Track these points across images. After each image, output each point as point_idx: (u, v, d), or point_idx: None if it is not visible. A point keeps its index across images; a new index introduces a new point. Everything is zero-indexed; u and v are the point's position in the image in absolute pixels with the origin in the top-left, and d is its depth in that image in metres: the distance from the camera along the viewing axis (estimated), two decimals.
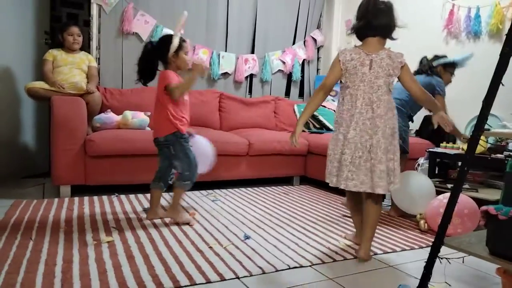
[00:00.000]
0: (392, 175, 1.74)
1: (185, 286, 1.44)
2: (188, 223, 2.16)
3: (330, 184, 1.81)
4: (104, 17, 3.40)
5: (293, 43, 4.31)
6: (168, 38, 2.06)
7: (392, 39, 1.81)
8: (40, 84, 2.90)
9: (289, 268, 1.64)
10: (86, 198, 2.64)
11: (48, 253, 1.67)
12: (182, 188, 2.15)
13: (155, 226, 2.11)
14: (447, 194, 2.15)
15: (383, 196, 1.97)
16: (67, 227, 2.02)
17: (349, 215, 2.36)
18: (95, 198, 2.66)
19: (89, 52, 3.31)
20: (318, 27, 4.50)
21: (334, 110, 3.76)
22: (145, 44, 2.15)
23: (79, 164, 2.67)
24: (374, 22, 1.74)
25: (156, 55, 2.08)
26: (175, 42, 2.03)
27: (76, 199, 2.62)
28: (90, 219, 2.18)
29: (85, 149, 2.67)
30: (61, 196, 2.68)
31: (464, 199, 2.13)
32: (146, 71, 2.10)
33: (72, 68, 3.04)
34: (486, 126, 1.37)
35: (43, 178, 3.30)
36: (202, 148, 2.31)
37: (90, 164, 2.69)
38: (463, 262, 1.70)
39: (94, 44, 3.41)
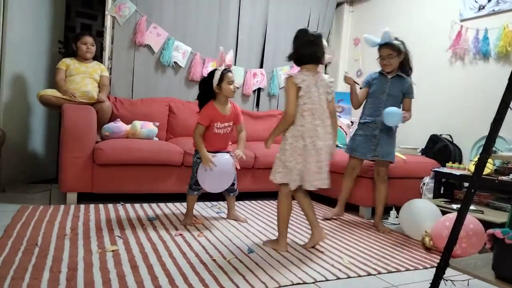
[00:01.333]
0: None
1: None
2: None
3: (292, 188, 2.07)
4: (117, 29, 3.47)
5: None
6: (211, 73, 2.35)
7: (322, 63, 2.15)
8: (52, 92, 2.96)
9: (292, 284, 1.64)
10: (92, 206, 2.66)
11: (53, 259, 1.68)
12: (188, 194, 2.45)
13: (160, 236, 2.12)
14: (453, 214, 2.15)
15: None
16: (73, 234, 2.04)
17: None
18: (101, 206, 2.68)
19: (101, 62, 3.37)
20: (327, 42, 4.56)
21: (341, 127, 3.81)
22: (201, 79, 2.42)
23: (87, 172, 2.70)
24: (306, 52, 2.04)
25: (205, 88, 2.36)
26: (216, 76, 2.30)
27: (82, 206, 2.64)
28: (95, 227, 2.20)
29: (93, 157, 2.70)
30: (67, 203, 2.70)
31: (469, 217, 2.12)
32: (200, 100, 2.41)
33: (84, 77, 3.10)
34: (493, 149, 1.39)
35: (50, 184, 3.33)
36: (222, 167, 2.33)
37: (98, 172, 2.72)
38: (468, 284, 1.69)
39: (106, 54, 3.48)
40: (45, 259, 1.68)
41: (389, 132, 2.66)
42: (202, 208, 2.85)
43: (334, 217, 2.86)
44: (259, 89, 4.17)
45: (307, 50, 2.03)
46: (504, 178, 2.49)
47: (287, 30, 4.21)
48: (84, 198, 2.79)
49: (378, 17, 4.20)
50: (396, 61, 2.60)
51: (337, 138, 2.52)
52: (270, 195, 3.41)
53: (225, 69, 2.33)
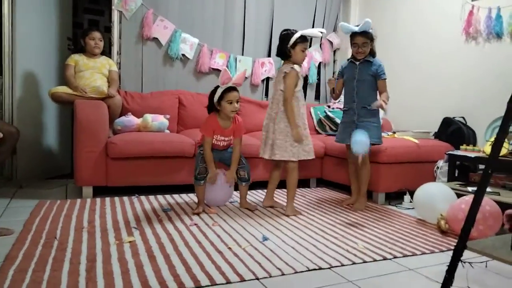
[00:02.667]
0: None
1: (206, 286, 1.46)
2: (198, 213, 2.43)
3: (296, 159, 2.52)
4: (124, 23, 3.48)
5: (309, 46, 4.31)
6: (214, 89, 2.43)
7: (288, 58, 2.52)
8: (63, 89, 2.99)
9: (308, 270, 1.65)
10: (107, 199, 2.70)
11: (72, 252, 1.72)
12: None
13: (175, 227, 2.15)
14: (469, 197, 2.12)
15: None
16: (90, 227, 2.08)
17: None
18: (116, 199, 2.72)
19: (110, 57, 3.39)
20: (334, 30, 4.50)
21: None
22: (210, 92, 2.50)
23: (101, 165, 2.73)
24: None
25: (211, 101, 2.46)
26: (217, 93, 2.38)
27: (98, 199, 2.68)
28: (112, 220, 2.23)
29: (107, 151, 2.73)
30: (83, 197, 2.75)
31: (485, 198, 2.09)
32: (208, 109, 2.51)
33: (93, 72, 3.12)
34: (510, 129, 1.36)
35: (66, 180, 3.39)
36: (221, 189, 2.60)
37: (112, 165, 2.75)
38: (486, 266, 1.67)
39: (115, 49, 3.49)
40: (64, 252, 1.71)
41: (368, 116, 2.69)
42: None
43: (352, 204, 2.87)
44: (267, 78, 4.15)
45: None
46: None
47: (294, 17, 4.17)
48: (100, 191, 2.83)
49: (386, 2, 4.12)
50: (368, 49, 2.68)
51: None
52: (282, 184, 3.41)
53: (227, 88, 2.37)
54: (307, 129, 2.57)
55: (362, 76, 2.71)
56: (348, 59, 2.85)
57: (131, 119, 3.00)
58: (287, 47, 2.47)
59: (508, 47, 3.02)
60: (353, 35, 2.67)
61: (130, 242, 1.87)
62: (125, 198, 2.75)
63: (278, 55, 2.58)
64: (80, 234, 1.96)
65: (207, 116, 2.50)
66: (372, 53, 2.71)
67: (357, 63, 2.73)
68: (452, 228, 2.19)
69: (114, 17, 3.47)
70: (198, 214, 2.41)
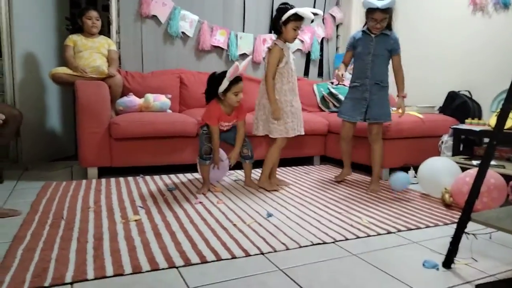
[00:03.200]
0: None
1: (212, 261, 1.48)
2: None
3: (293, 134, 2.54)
4: (122, 1, 3.41)
5: (311, 21, 4.22)
6: (220, 78, 2.35)
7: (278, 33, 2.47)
8: (63, 70, 2.96)
9: (313, 245, 1.66)
10: (112, 180, 2.72)
11: (79, 231, 1.74)
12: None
13: (180, 205, 2.17)
14: (474, 170, 2.11)
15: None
16: (96, 207, 2.10)
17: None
18: (121, 179, 2.74)
19: (109, 37, 3.34)
20: (337, 4, 4.40)
21: None
22: (211, 74, 2.46)
23: (105, 146, 2.74)
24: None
25: (212, 88, 2.41)
26: (224, 85, 2.33)
27: (103, 180, 2.70)
28: (117, 199, 2.25)
29: (110, 132, 2.73)
30: (88, 177, 2.77)
31: (490, 171, 2.09)
32: (207, 95, 2.47)
33: (92, 52, 3.09)
34: None
35: (71, 161, 3.41)
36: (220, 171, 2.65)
37: (115, 146, 2.76)
38: (490, 238, 1.68)
39: (114, 28, 3.44)
40: (71, 231, 1.73)
41: (381, 93, 2.59)
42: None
43: (345, 178, 2.89)
44: None
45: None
46: None
47: None
48: (105, 172, 2.85)
49: None
50: (386, 23, 2.51)
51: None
52: (285, 162, 3.42)
53: (234, 79, 2.34)
54: (294, 105, 2.52)
55: (378, 51, 2.55)
56: (361, 30, 2.62)
57: (132, 100, 2.98)
58: (279, 23, 2.40)
59: None
60: (372, 10, 2.45)
61: (136, 220, 1.89)
62: (130, 178, 2.76)
63: (271, 29, 2.54)
64: (87, 214, 1.98)
65: (209, 104, 2.45)
66: (389, 26, 2.54)
67: (373, 36, 2.55)
68: (456, 202, 2.20)
69: None
70: (204, 194, 2.42)
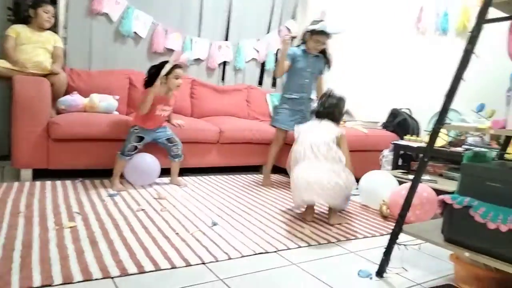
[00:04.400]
0: None
1: (150, 271, 1.43)
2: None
3: None
4: None
5: (267, 32, 4.30)
6: (162, 65, 2.54)
7: None
8: (1, 62, 2.75)
9: (255, 254, 1.67)
10: (48, 183, 2.55)
11: (6, 238, 1.61)
12: None
13: (121, 212, 2.08)
14: (409, 183, 2.24)
15: None
16: (28, 212, 1.96)
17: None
18: (58, 182, 2.58)
19: (55, 32, 3.16)
20: (293, 17, 4.51)
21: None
22: (149, 68, 2.64)
23: (42, 147, 2.57)
24: None
25: (154, 74, 2.56)
26: (166, 68, 2.51)
27: (38, 183, 2.52)
28: (52, 204, 2.11)
29: (48, 132, 2.57)
30: (21, 180, 2.57)
31: (423, 185, 2.24)
32: (147, 82, 2.61)
33: (36, 47, 2.90)
34: (447, 121, 1.44)
35: (3, 161, 3.15)
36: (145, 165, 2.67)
37: (54, 147, 2.60)
38: (419, 248, 1.79)
39: (61, 23, 3.26)
40: None
41: (311, 107, 2.88)
42: (166, 183, 2.82)
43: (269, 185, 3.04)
44: (224, 63, 4.09)
45: None
46: (457, 149, 2.62)
47: (252, 1, 4.12)
48: (40, 175, 2.67)
49: None
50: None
51: None
52: (234, 169, 3.42)
53: (176, 65, 2.55)
54: None
55: (314, 69, 2.89)
56: (299, 47, 2.91)
57: (76, 99, 2.84)
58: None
59: (452, 43, 3.19)
60: (320, 32, 2.75)
61: (71, 227, 1.79)
62: (68, 182, 2.61)
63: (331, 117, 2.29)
64: (16, 219, 1.84)
65: (146, 90, 2.57)
66: (324, 50, 2.89)
67: (311, 55, 2.86)
68: (393, 213, 2.32)
69: None
70: (118, 190, 2.47)
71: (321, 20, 2.78)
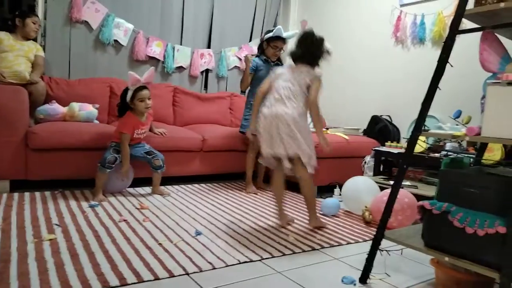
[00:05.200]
0: None
1: (132, 283, 1.41)
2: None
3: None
4: (50, 3, 3.21)
5: (250, 40, 4.33)
6: (124, 91, 2.63)
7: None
8: None
9: (240, 263, 1.66)
10: (27, 194, 2.48)
11: None
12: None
13: (102, 223, 2.04)
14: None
15: None
16: (5, 225, 1.90)
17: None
18: (37, 194, 2.52)
19: (35, 40, 3.11)
20: (274, 26, 4.55)
21: None
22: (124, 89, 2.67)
23: (20, 157, 2.51)
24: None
25: (122, 101, 2.64)
26: (128, 94, 2.59)
27: (16, 194, 2.45)
28: (31, 216, 2.06)
29: (27, 142, 2.51)
30: None
31: (404, 191, 2.28)
32: (119, 109, 2.68)
33: (18, 56, 2.87)
34: (425, 127, 1.48)
35: None
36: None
37: (32, 157, 2.54)
38: (401, 254, 1.82)
39: (39, 31, 3.20)
40: None
41: None
42: (148, 193, 2.78)
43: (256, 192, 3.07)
44: (207, 70, 4.09)
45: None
46: (436, 155, 2.69)
47: (235, 9, 4.15)
48: (18, 186, 2.60)
49: (325, 1, 4.26)
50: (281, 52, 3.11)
51: None
52: (218, 177, 3.41)
53: (137, 87, 2.58)
54: None
55: None
56: (259, 57, 3.07)
57: (55, 108, 2.78)
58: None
59: (429, 52, 3.29)
60: (277, 38, 2.96)
61: (50, 240, 1.74)
62: (47, 193, 2.55)
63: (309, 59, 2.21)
64: None
65: (124, 116, 2.62)
66: (280, 58, 3.12)
67: (272, 64, 3.03)
68: (375, 219, 2.35)
69: None
70: (100, 201, 2.45)
71: (274, 28, 3.00)
